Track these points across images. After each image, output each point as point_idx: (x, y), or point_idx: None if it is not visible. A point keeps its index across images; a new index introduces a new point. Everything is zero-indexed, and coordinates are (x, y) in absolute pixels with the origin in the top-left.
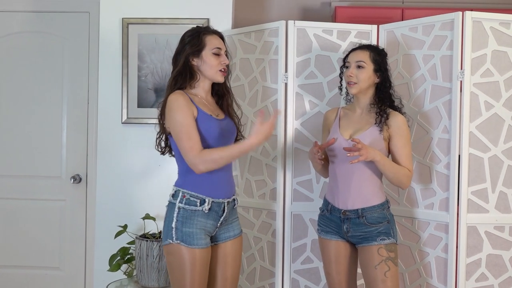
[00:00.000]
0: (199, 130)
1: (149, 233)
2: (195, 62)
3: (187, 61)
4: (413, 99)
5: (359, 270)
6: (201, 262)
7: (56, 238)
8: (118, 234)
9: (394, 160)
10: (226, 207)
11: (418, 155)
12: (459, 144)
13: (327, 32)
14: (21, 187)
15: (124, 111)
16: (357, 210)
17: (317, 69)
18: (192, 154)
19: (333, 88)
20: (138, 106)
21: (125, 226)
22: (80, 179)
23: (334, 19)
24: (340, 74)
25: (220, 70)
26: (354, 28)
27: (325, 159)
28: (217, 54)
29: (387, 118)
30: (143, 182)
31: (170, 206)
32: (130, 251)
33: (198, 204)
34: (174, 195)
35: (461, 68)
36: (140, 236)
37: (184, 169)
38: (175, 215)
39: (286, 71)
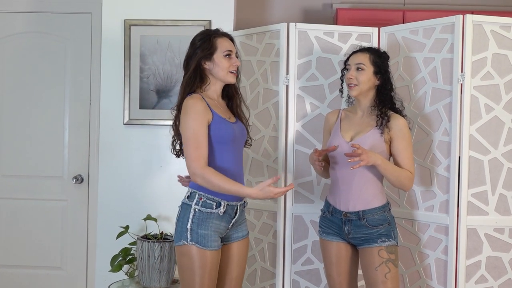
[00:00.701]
0: (215, 134)
1: (151, 234)
2: (207, 65)
3: (199, 64)
4: (413, 101)
5: (359, 272)
6: (212, 264)
7: (58, 238)
8: (120, 235)
9: (396, 162)
10: (238, 209)
11: (419, 157)
12: (459, 147)
13: (328, 35)
14: (23, 187)
15: (126, 112)
16: (358, 212)
17: (318, 71)
18: (196, 165)
19: (334, 90)
20: (140, 108)
21: (126, 227)
22: (82, 180)
23: (335, 21)
24: (341, 76)
25: (231, 72)
26: (355, 30)
27: (326, 161)
28: (229, 56)
29: (388, 121)
30: (145, 183)
31: (185, 207)
32: (132, 251)
33: (214, 206)
34: (189, 197)
35: (462, 71)
36: (142, 237)
37: None
38: (190, 216)
39: (287, 73)
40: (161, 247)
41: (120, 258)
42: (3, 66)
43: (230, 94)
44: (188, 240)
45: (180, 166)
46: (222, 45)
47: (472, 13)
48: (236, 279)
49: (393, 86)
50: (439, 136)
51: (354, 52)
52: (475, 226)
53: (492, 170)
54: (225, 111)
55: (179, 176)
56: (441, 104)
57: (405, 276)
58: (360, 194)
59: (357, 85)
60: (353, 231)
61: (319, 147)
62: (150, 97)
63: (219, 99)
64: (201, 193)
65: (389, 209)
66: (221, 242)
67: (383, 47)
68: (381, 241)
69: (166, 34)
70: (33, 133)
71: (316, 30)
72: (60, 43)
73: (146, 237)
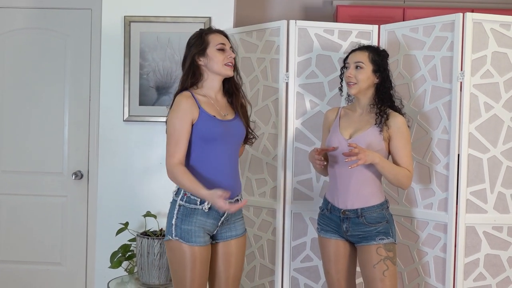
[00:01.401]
0: (199, 131)
1: (150, 230)
2: (202, 61)
3: (193, 61)
4: (413, 99)
5: (358, 269)
6: (200, 259)
7: (57, 234)
8: (119, 231)
9: (394, 160)
10: None
11: (418, 155)
12: (458, 145)
13: (328, 32)
14: (23, 183)
15: (126, 109)
16: (357, 210)
17: (318, 68)
18: (170, 161)
19: (333, 88)
20: (140, 104)
21: (126, 224)
22: (82, 176)
23: (335, 18)
24: (340, 75)
25: (227, 64)
26: (355, 28)
27: (325, 159)
28: (222, 49)
29: (387, 119)
30: (144, 179)
31: (172, 203)
32: (131, 248)
33: (198, 203)
34: (176, 193)
35: (461, 69)
36: (141, 234)
37: (188, 169)
38: (175, 212)
39: (287, 70)
40: (160, 244)
41: (120, 254)
42: (3, 62)
43: (231, 90)
44: (173, 235)
45: None
46: (214, 39)
47: (472, 11)
48: (233, 277)
49: (393, 84)
50: (438, 134)
51: (353, 51)
52: (474, 224)
53: (491, 168)
54: (222, 108)
55: None
56: (440, 102)
57: (404, 273)
58: (359, 192)
59: (356, 83)
60: (352, 229)
61: (319, 144)
62: (150, 93)
63: (218, 96)
64: None
65: (387, 207)
66: (214, 240)
67: (383, 45)
68: (379, 239)
69: (166, 30)
70: (33, 129)
71: (316, 28)
72: (59, 39)
73: (145, 234)
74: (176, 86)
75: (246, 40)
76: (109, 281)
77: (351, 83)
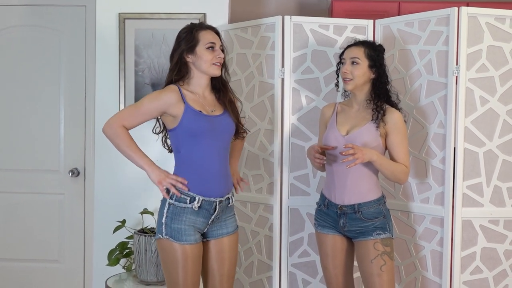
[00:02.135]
0: (185, 126)
1: (147, 228)
2: (190, 58)
3: (181, 58)
4: (409, 94)
5: (355, 263)
6: (192, 257)
7: (55, 232)
8: (117, 229)
9: (391, 156)
10: (217, 206)
11: (414, 149)
12: (454, 139)
13: (324, 27)
14: (19, 181)
15: (122, 105)
16: (354, 205)
17: (314, 64)
18: (118, 121)
19: (329, 83)
20: (135, 101)
21: (123, 221)
22: (79, 173)
23: (330, 13)
24: (336, 70)
25: (214, 64)
26: (351, 23)
27: (323, 154)
28: (212, 48)
29: (383, 115)
30: (141, 176)
31: (163, 202)
32: (129, 245)
33: (188, 201)
34: (166, 191)
35: (457, 64)
36: (139, 231)
37: (179, 166)
38: (165, 210)
39: (282, 66)
40: None
41: (117, 252)
42: None
43: (218, 87)
44: (163, 234)
45: None
46: (205, 37)
47: (467, 5)
48: (227, 275)
49: (389, 79)
50: (434, 129)
51: (349, 46)
52: (470, 217)
53: (487, 162)
54: (210, 104)
55: None
56: (436, 97)
57: (401, 267)
58: (355, 188)
59: (352, 79)
60: (349, 224)
61: (315, 139)
62: (146, 90)
63: (206, 92)
64: (176, 187)
65: (384, 202)
66: (205, 237)
67: (378, 40)
68: (376, 234)
69: (160, 27)
70: (29, 127)
71: (311, 23)
72: (54, 36)
73: (143, 231)
74: None
75: (241, 36)
76: (107, 279)
77: (347, 79)
